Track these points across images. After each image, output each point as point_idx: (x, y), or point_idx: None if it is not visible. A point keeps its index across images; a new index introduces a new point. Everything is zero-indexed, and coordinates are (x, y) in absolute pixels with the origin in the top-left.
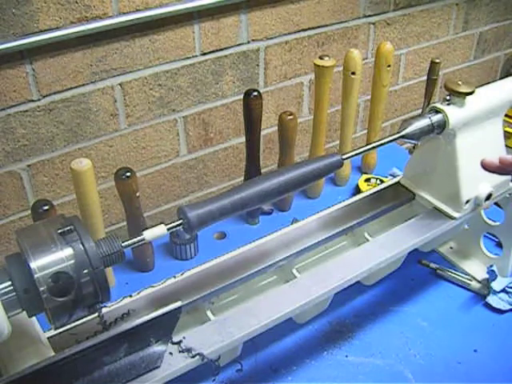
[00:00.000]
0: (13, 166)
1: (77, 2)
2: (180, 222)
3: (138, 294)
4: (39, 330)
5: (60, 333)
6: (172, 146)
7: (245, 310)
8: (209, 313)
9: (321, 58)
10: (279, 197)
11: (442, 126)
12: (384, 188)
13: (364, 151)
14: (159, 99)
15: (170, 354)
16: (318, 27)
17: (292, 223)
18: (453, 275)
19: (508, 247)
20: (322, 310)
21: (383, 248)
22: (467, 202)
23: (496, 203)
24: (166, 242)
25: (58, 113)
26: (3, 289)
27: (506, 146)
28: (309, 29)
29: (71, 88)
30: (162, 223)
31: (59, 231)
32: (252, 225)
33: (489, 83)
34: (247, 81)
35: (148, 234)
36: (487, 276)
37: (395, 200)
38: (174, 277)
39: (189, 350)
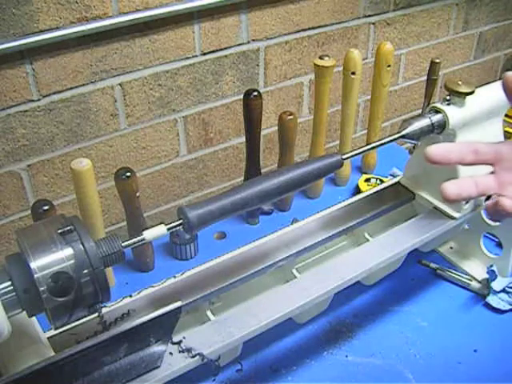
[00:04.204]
0: (13, 166)
1: (77, 2)
2: (180, 221)
3: (138, 293)
4: (39, 330)
5: (60, 333)
6: (172, 146)
7: (245, 310)
8: (209, 313)
9: (321, 57)
10: (279, 197)
11: (442, 126)
12: (384, 188)
13: (364, 151)
14: (159, 99)
15: (170, 353)
16: (318, 27)
17: (292, 223)
18: (453, 275)
19: (508, 247)
20: (321, 310)
21: (383, 248)
22: (467, 201)
23: None
24: (166, 242)
25: (58, 113)
26: (3, 289)
27: None
28: (309, 29)
29: (71, 88)
30: (162, 223)
31: (59, 231)
32: (252, 225)
33: (489, 83)
34: (247, 81)
35: (148, 234)
36: (487, 276)
37: (395, 200)
38: (174, 277)
39: (189, 350)
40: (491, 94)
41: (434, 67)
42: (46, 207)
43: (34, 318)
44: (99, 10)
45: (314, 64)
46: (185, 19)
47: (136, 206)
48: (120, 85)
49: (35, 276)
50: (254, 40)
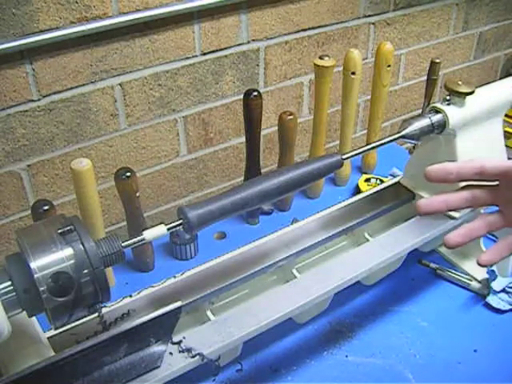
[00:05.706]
0: (13, 166)
1: (77, 2)
2: (180, 221)
3: (138, 293)
4: (39, 330)
5: (60, 333)
6: (172, 146)
7: (245, 310)
8: (209, 313)
9: (321, 57)
10: (279, 197)
11: (442, 126)
12: (384, 188)
13: (364, 151)
14: (159, 99)
15: (170, 353)
16: (318, 27)
17: (292, 223)
18: (453, 275)
19: None
20: (321, 310)
21: (383, 248)
22: None
23: None
24: (166, 242)
25: (58, 113)
26: (3, 289)
27: (506, 146)
28: (309, 29)
29: (71, 88)
30: (162, 223)
31: (59, 231)
32: (252, 225)
33: (489, 83)
34: (247, 81)
35: (148, 234)
36: (487, 276)
37: (395, 200)
38: (174, 277)
39: (189, 350)
40: (491, 94)
41: (434, 67)
42: (45, 207)
43: (33, 317)
44: (99, 9)
45: (314, 64)
46: (185, 19)
47: (136, 206)
48: (120, 85)
49: (35, 276)
50: (254, 40)
